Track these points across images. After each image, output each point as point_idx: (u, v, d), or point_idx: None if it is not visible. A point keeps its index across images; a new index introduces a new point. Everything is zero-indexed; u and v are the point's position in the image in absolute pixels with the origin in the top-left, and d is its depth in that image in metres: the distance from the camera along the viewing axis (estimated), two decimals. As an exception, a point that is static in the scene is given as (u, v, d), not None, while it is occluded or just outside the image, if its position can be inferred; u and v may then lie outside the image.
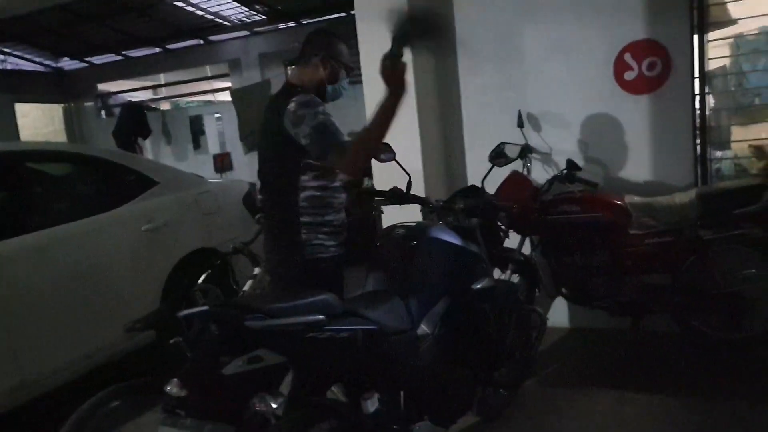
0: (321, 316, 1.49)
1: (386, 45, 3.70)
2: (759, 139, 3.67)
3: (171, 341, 1.68)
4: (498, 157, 2.77)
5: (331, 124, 2.12)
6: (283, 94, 2.34)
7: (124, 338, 3.32)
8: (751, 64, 4.10)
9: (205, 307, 1.53)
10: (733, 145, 3.76)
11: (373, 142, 2.08)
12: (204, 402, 1.50)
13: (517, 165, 3.52)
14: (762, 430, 2.43)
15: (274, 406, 1.48)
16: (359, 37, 3.66)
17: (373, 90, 3.69)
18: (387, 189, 2.69)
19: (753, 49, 4.02)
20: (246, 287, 3.28)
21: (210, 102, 10.51)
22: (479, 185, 3.01)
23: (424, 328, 2.02)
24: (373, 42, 3.64)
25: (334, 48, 2.40)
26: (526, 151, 3.58)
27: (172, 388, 1.51)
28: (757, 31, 3.90)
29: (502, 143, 2.74)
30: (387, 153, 2.70)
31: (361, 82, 3.73)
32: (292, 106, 2.16)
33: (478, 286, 2.28)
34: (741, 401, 2.66)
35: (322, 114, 2.14)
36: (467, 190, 2.77)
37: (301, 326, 1.47)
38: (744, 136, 3.81)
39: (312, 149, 2.11)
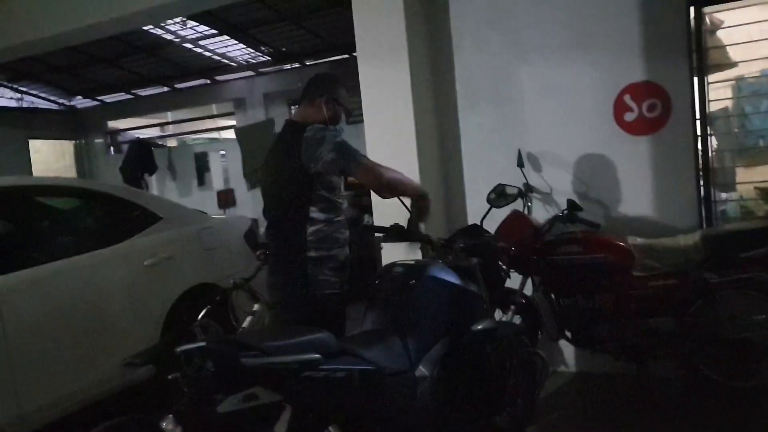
0: (317, 355, 1.47)
1: (387, 86, 3.78)
2: (765, 181, 3.67)
3: (170, 377, 1.66)
4: (497, 198, 2.78)
5: (351, 146, 2.33)
6: (289, 131, 2.42)
7: (122, 373, 3.27)
8: (753, 106, 4.15)
9: (202, 343, 1.52)
10: (738, 186, 3.76)
11: (386, 184, 2.38)
12: (198, 440, 1.47)
13: (518, 205, 3.52)
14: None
15: (268, 446, 1.44)
16: (361, 78, 3.73)
17: (374, 128, 3.75)
18: (387, 225, 2.69)
19: (754, 91, 4.08)
20: (245, 324, 3.26)
21: (215, 139, 10.67)
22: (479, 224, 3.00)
23: (422, 370, 1.98)
24: (373, 82, 3.72)
25: (336, 91, 2.51)
26: (525, 191, 3.59)
27: (167, 424, 1.48)
28: (758, 74, 3.96)
29: (501, 184, 2.76)
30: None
31: (362, 121, 3.80)
32: (309, 133, 2.29)
33: (479, 327, 2.24)
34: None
35: (341, 137, 2.35)
36: (468, 229, 2.76)
37: (296, 365, 1.44)
38: (748, 178, 3.83)
39: (337, 163, 2.27)
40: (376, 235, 3.16)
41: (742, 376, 3.09)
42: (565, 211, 3.23)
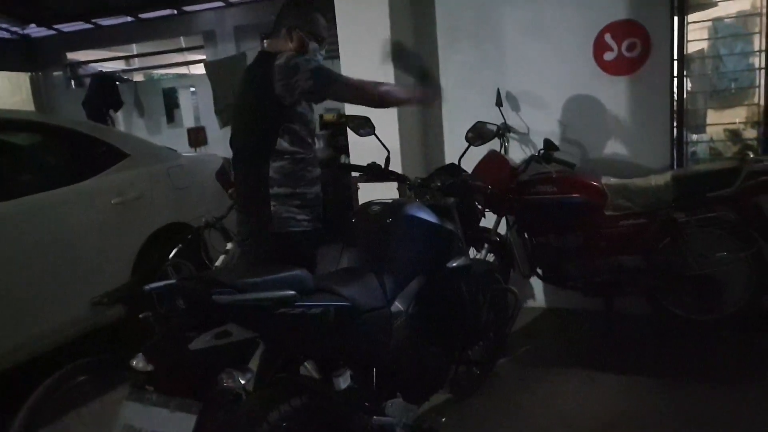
0: (292, 292, 1.45)
1: (364, 22, 3.62)
2: (734, 123, 3.70)
3: (140, 316, 1.65)
4: (475, 136, 2.74)
5: (328, 68, 2.21)
6: (259, 61, 2.31)
7: (91, 313, 3.23)
8: (728, 48, 4.12)
9: (172, 281, 1.48)
10: (708, 128, 3.78)
11: (378, 97, 2.26)
12: (170, 377, 1.46)
13: (495, 144, 3.49)
14: (727, 413, 2.48)
15: (242, 382, 1.44)
16: (337, 13, 3.57)
17: (350, 66, 3.63)
18: (364, 165, 2.65)
19: (731, 33, 4.04)
20: (218, 262, 3.23)
21: (184, 75, 10.25)
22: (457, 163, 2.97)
23: (398, 306, 1.99)
24: (350, 17, 3.57)
25: (302, 18, 2.34)
26: (503, 131, 3.57)
27: (137, 363, 1.46)
28: (735, 15, 3.92)
29: (480, 122, 2.72)
30: (366, 128, 2.66)
31: (338, 57, 3.66)
32: (281, 60, 2.16)
33: (454, 264, 2.26)
34: (709, 383, 2.70)
35: (316, 61, 2.24)
36: (446, 169, 2.73)
37: (271, 301, 1.42)
38: (719, 120, 3.85)
39: (317, 89, 2.16)
40: (353, 174, 3.13)
41: (703, 310, 3.21)
42: (542, 151, 3.23)
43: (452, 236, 2.29)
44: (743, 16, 3.90)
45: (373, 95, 2.24)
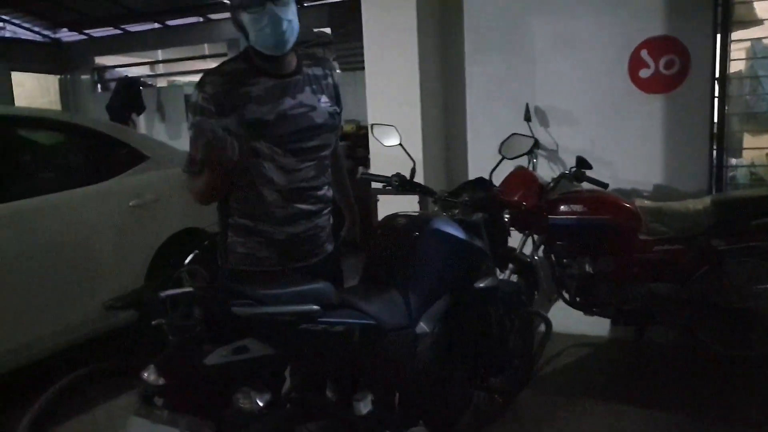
0: (316, 306, 1.35)
1: (392, 30, 3.55)
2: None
3: (153, 323, 1.56)
4: (510, 148, 2.63)
5: (200, 131, 1.68)
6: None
7: (103, 316, 3.18)
8: (766, 69, 3.99)
9: (190, 289, 1.39)
10: (746, 152, 3.64)
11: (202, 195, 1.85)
12: (182, 393, 1.36)
13: (522, 160, 3.38)
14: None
15: (259, 402, 1.33)
16: (364, 22, 3.52)
17: (375, 76, 3.56)
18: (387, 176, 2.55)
19: (769, 54, 3.91)
20: None
21: (206, 81, 10.29)
22: (487, 177, 2.86)
23: (423, 326, 1.87)
24: (377, 26, 3.51)
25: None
26: (532, 147, 3.45)
27: (149, 374, 1.36)
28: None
29: (516, 134, 2.61)
30: (391, 137, 2.56)
31: (363, 68, 3.60)
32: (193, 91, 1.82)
33: (482, 284, 2.14)
34: (740, 426, 2.54)
35: (199, 117, 1.74)
36: (474, 183, 2.62)
37: (293, 316, 1.32)
38: (755, 144, 3.70)
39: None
40: (373, 186, 3.03)
41: (741, 345, 3.04)
42: (573, 169, 3.10)
43: (481, 254, 2.18)
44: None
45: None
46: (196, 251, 3.31)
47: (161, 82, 10.36)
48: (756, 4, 3.36)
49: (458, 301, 2.06)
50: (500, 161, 2.63)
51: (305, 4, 7.56)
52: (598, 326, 3.38)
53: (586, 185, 3.09)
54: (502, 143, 2.62)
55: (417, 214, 2.11)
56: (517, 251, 3.15)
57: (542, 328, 2.65)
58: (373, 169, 3.46)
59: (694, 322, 3.08)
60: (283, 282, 1.58)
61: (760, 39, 3.83)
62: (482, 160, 3.31)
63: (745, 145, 3.72)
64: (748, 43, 3.75)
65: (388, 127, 2.55)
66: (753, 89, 3.92)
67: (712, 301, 2.97)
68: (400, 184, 2.50)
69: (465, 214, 2.34)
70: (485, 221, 2.34)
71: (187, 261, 3.30)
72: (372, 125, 2.64)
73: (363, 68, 3.64)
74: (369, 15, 3.48)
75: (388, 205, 3.42)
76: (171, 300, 1.36)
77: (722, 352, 3.07)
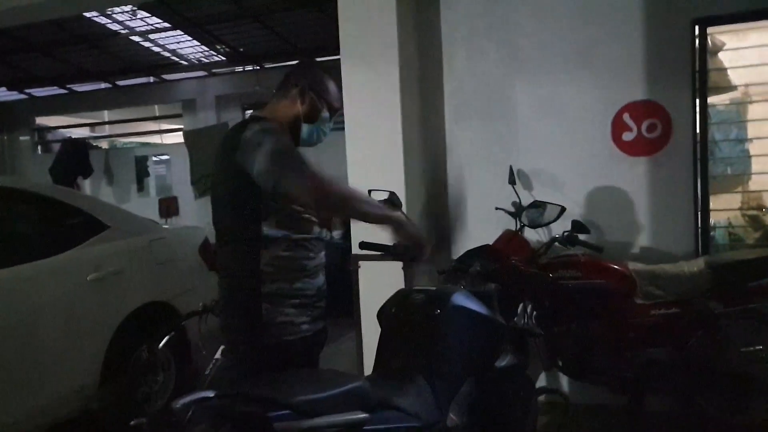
0: (363, 414, 1.15)
1: (373, 92, 3.47)
2: (755, 209, 3.62)
3: (132, 423, 1.31)
4: (535, 218, 2.51)
5: (294, 153, 1.74)
6: (242, 124, 1.85)
7: (55, 405, 2.79)
8: (722, 133, 4.14)
9: (208, 394, 1.14)
10: (722, 214, 3.69)
11: (347, 206, 1.83)
12: None
13: (510, 223, 3.31)
14: None
15: None
16: (344, 82, 3.41)
17: (356, 138, 3.44)
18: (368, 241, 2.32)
19: (723, 119, 4.06)
20: (208, 370, 2.68)
21: (150, 144, 9.97)
22: (491, 243, 2.74)
23: (452, 417, 1.67)
24: (359, 87, 3.41)
25: (319, 81, 1.96)
26: (518, 211, 3.37)
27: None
28: (728, 101, 3.95)
29: (540, 201, 2.51)
30: (391, 204, 2.41)
31: (343, 128, 3.48)
32: (248, 133, 1.74)
33: (503, 363, 1.97)
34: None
35: (287, 143, 1.78)
36: (478, 251, 2.48)
37: (341, 428, 1.10)
38: (718, 206, 3.77)
39: (263, 176, 1.69)
40: (353, 252, 2.83)
41: (741, 410, 2.96)
42: (566, 232, 3.04)
43: (502, 330, 2.01)
44: (736, 103, 3.95)
45: (323, 194, 1.73)
46: (172, 332, 2.93)
47: (105, 144, 9.97)
48: (729, 71, 3.49)
49: (481, 384, 1.87)
50: (521, 228, 2.49)
51: (266, 66, 7.51)
52: (594, 394, 3.24)
53: (579, 249, 3.02)
54: (524, 211, 2.50)
55: (434, 288, 1.92)
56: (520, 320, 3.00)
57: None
58: (355, 231, 3.27)
59: (692, 388, 2.98)
60: (313, 376, 1.35)
61: (714, 105, 3.99)
62: (464, 224, 3.19)
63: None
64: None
65: (389, 193, 2.40)
66: (711, 153, 4.04)
67: (711, 366, 2.89)
68: (402, 253, 2.30)
69: (475, 285, 2.18)
70: (497, 292, 2.19)
71: (161, 344, 2.91)
72: (369, 191, 2.47)
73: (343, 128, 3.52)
74: (350, 73, 3.38)
75: (370, 272, 3.25)
76: (189, 410, 1.10)
77: (722, 417, 2.98)
